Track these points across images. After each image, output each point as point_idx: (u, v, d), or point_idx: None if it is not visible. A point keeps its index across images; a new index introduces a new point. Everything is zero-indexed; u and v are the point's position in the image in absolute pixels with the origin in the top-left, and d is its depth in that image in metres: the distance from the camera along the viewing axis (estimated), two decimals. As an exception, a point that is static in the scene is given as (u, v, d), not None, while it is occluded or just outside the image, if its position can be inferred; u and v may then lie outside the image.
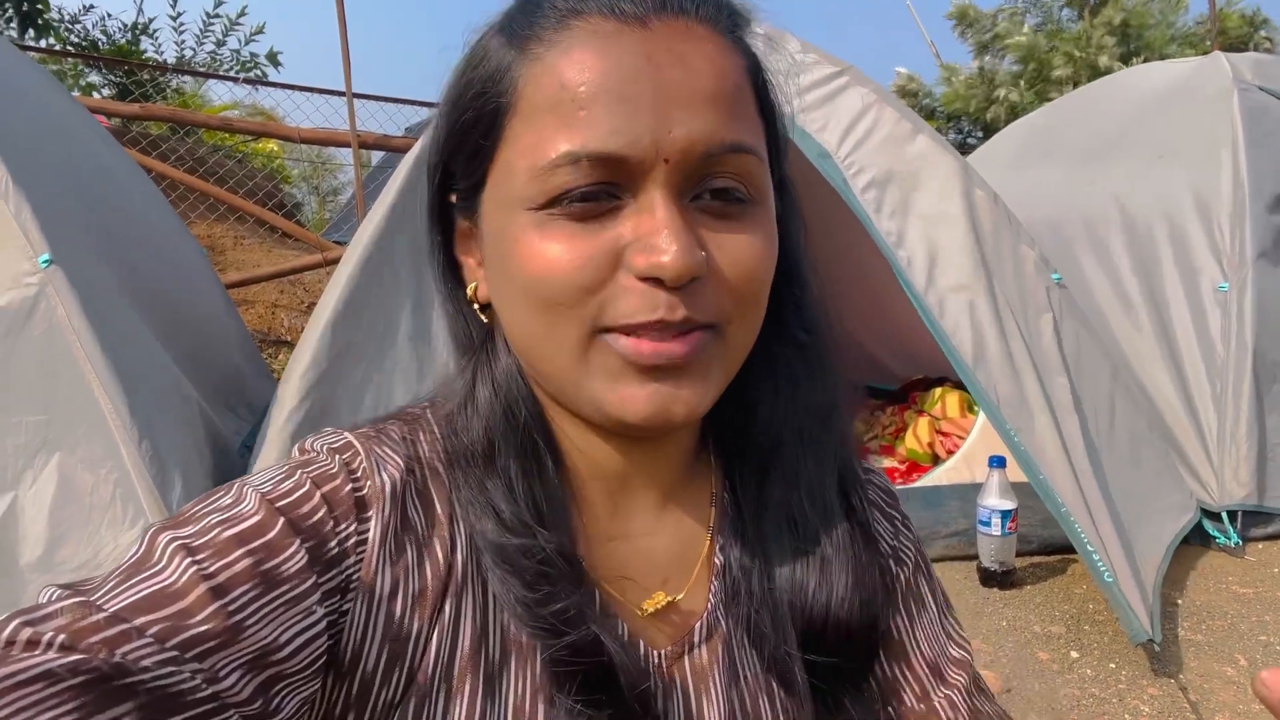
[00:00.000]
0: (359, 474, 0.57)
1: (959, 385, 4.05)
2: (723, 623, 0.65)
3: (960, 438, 3.70)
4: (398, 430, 0.63)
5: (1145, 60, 10.57)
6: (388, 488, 0.57)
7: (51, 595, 0.46)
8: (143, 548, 0.50)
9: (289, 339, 5.39)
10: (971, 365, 2.78)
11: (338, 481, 0.56)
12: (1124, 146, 4.19)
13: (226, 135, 7.46)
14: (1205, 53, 4.93)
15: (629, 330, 0.53)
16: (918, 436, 3.82)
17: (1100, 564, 2.48)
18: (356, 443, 0.59)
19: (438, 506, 0.59)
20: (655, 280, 0.51)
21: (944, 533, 3.14)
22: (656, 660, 0.63)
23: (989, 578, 2.94)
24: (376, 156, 8.21)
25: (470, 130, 0.57)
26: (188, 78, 8.28)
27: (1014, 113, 10.93)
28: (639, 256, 0.51)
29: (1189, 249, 3.70)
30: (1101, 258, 3.90)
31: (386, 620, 0.55)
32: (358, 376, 2.77)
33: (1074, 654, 2.57)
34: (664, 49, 0.52)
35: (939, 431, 3.81)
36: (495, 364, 0.63)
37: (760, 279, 0.56)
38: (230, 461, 3.13)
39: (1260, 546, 3.29)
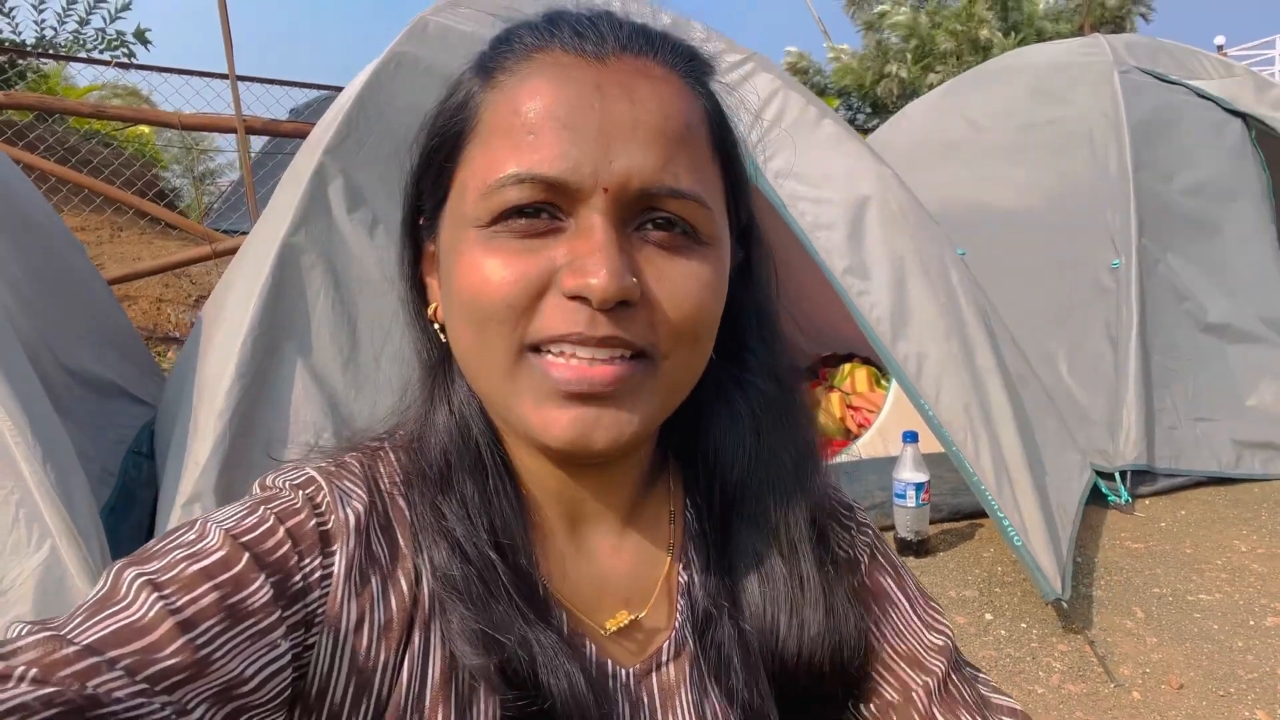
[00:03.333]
0: (323, 508, 0.58)
1: (866, 361, 4.17)
2: (690, 641, 0.65)
3: (870, 411, 3.81)
4: (357, 463, 0.63)
5: (1022, 32, 11.03)
6: (352, 521, 0.57)
7: (20, 630, 0.47)
8: (108, 584, 0.50)
9: (177, 335, 5.13)
10: (890, 344, 2.85)
11: (302, 516, 0.56)
12: (1014, 133, 4.37)
13: (97, 121, 7.01)
14: (1081, 26, 5.16)
15: (555, 341, 0.53)
16: (830, 412, 3.91)
17: (1010, 529, 2.59)
18: (319, 478, 0.59)
19: (400, 539, 0.60)
20: (583, 300, 0.52)
21: (863, 506, 3.21)
22: (624, 678, 0.63)
23: (905, 547, 3.04)
24: (259, 141, 7.87)
25: (435, 153, 0.60)
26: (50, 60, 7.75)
27: (903, 86, 11.29)
28: (568, 276, 0.52)
29: (1083, 228, 3.89)
30: (1000, 239, 4.06)
31: (353, 653, 0.55)
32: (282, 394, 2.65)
33: (988, 616, 2.69)
34: (616, 83, 0.54)
35: (849, 406, 3.91)
36: (452, 386, 0.64)
37: (699, 316, 0.56)
38: (129, 472, 2.98)
39: (1148, 503, 3.51)
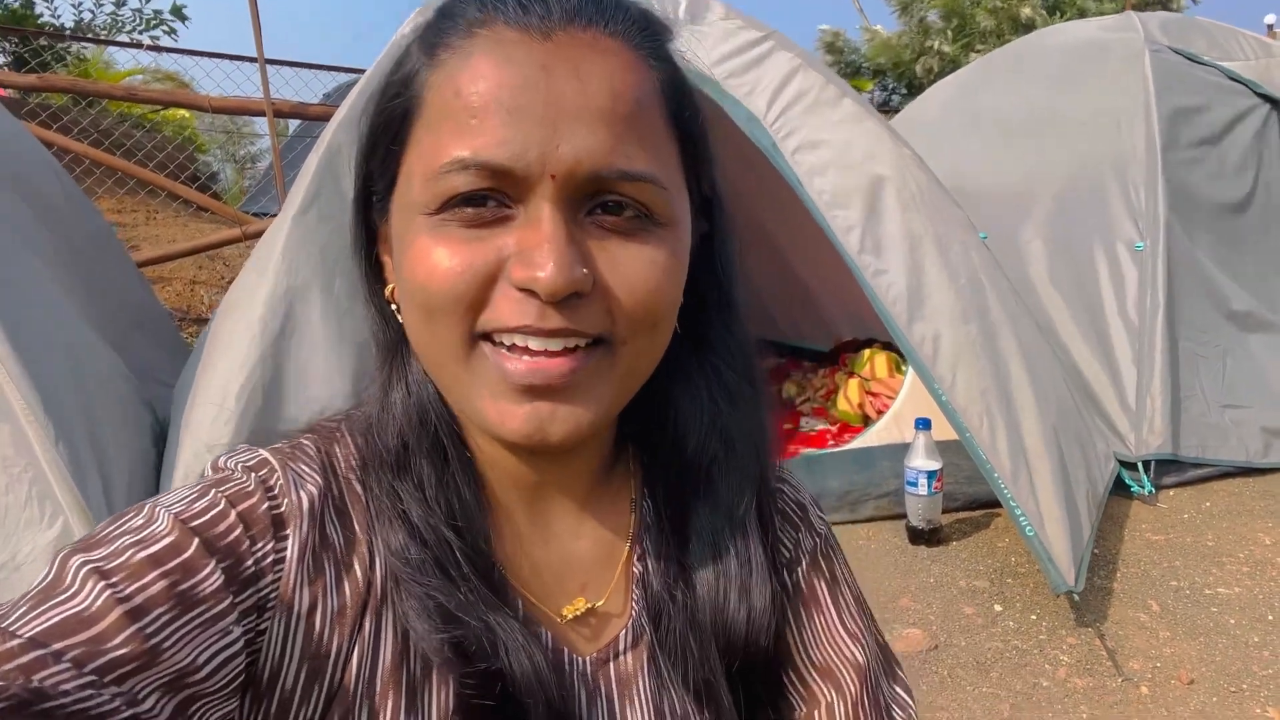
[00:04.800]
0: (276, 492, 0.57)
1: (887, 346, 4.12)
2: (648, 630, 0.65)
3: (889, 398, 3.77)
4: (313, 445, 0.62)
5: (1065, 11, 10.77)
6: (305, 505, 0.57)
7: None
8: (53, 572, 0.49)
9: (209, 316, 5.22)
10: (905, 326, 2.81)
11: (254, 500, 0.56)
12: (1041, 112, 4.27)
13: (133, 104, 7.12)
14: (1123, 8, 5.04)
15: (506, 333, 0.52)
16: (848, 398, 3.88)
17: (1023, 517, 2.56)
18: (272, 459, 0.59)
19: (355, 524, 0.59)
20: (532, 293, 0.51)
21: (875, 493, 3.20)
22: (581, 666, 0.63)
23: (917, 536, 3.01)
24: (294, 125, 7.94)
25: (382, 133, 0.58)
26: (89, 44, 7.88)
27: (943, 63, 11.10)
28: (517, 268, 0.51)
29: (1107, 211, 3.80)
30: (1023, 222, 3.98)
31: (305, 638, 0.54)
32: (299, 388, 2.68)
33: (998, 607, 2.66)
34: (562, 60, 0.51)
35: (868, 392, 3.87)
36: (409, 367, 0.63)
37: (655, 302, 0.55)
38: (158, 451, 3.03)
39: (1171, 494, 3.43)
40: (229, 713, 0.52)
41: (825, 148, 3.03)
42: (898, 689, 0.72)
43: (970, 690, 2.26)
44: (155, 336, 3.88)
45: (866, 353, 4.06)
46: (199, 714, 0.49)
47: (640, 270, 0.54)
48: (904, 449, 3.08)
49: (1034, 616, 2.59)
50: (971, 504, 3.24)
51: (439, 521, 0.58)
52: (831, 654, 0.70)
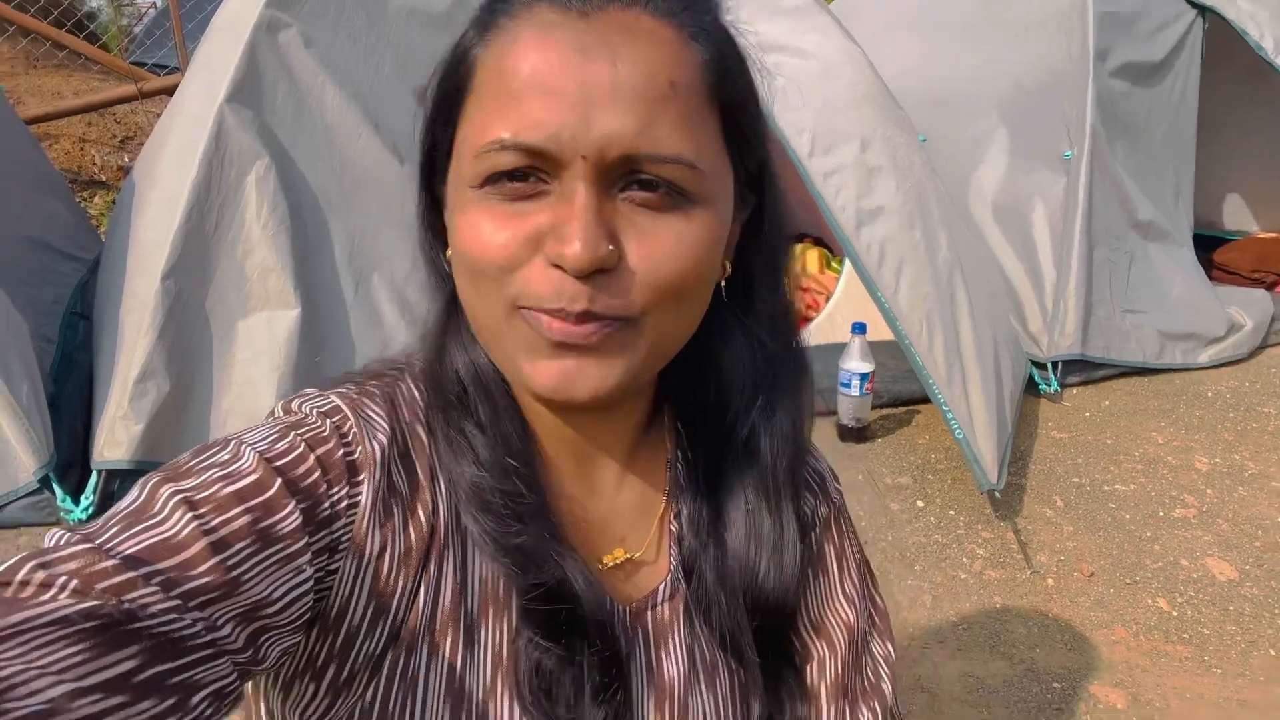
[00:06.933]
0: (350, 439, 0.60)
1: (818, 241, 4.18)
2: (682, 585, 0.70)
3: (819, 293, 3.85)
4: (379, 391, 0.65)
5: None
6: (377, 454, 0.60)
7: (60, 539, 0.48)
8: (143, 497, 0.52)
9: (103, 178, 4.87)
10: (853, 232, 2.85)
11: (330, 445, 0.58)
12: (981, 13, 4.24)
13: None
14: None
15: (536, 310, 0.55)
16: (779, 292, 3.93)
17: (954, 421, 2.70)
18: (344, 407, 0.62)
19: (419, 470, 0.63)
20: (562, 268, 0.54)
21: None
22: (620, 613, 0.67)
23: (846, 433, 3.15)
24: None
25: (442, 106, 0.61)
26: None
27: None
28: (551, 243, 0.54)
29: (1040, 118, 3.86)
30: (958, 125, 4.01)
31: (373, 579, 0.58)
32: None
33: (920, 503, 2.83)
34: (599, 42, 0.53)
35: (800, 288, 3.94)
36: (464, 327, 0.66)
37: (679, 277, 0.57)
38: (66, 336, 2.88)
39: (1074, 392, 3.67)
40: (290, 646, 0.55)
41: (781, 52, 2.96)
42: (880, 650, 0.79)
43: (897, 583, 2.43)
44: (53, 204, 3.61)
45: (799, 248, 4.11)
46: (266, 644, 0.52)
47: (668, 245, 0.56)
48: (837, 350, 3.17)
49: (952, 512, 2.77)
50: (895, 401, 3.39)
51: (502, 453, 0.63)
52: (828, 613, 0.77)
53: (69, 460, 2.52)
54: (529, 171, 0.54)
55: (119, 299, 2.57)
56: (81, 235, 3.68)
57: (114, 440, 2.44)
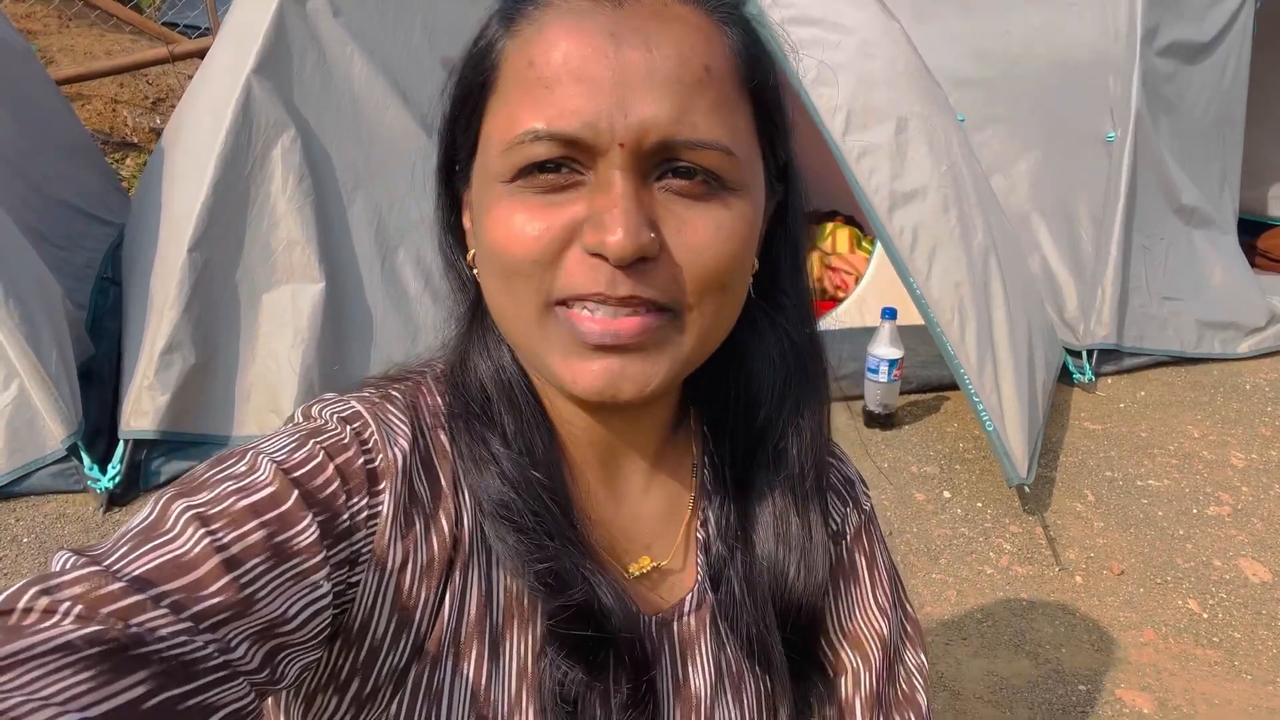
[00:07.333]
0: (370, 446, 0.58)
1: (849, 220, 4.10)
2: (710, 594, 0.69)
3: (848, 273, 3.79)
4: (400, 396, 0.64)
5: None
6: (399, 462, 0.58)
7: (66, 562, 0.47)
8: (155, 513, 0.50)
9: (135, 140, 4.87)
10: (886, 215, 2.78)
11: (350, 453, 0.57)
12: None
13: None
14: None
15: (580, 299, 0.54)
16: (808, 272, 3.87)
17: (984, 413, 2.65)
18: (365, 413, 0.60)
19: (442, 479, 0.61)
20: (603, 257, 0.52)
21: (835, 376, 3.24)
22: (647, 623, 0.66)
23: (872, 420, 3.11)
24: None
25: (463, 103, 0.59)
26: None
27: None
28: (590, 233, 0.52)
29: (1084, 99, 3.75)
30: (999, 105, 3.90)
31: (396, 591, 0.57)
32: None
33: (946, 494, 2.79)
34: (632, 28, 0.52)
35: (828, 267, 3.88)
36: (486, 330, 0.65)
37: (722, 265, 0.55)
38: (97, 301, 2.89)
39: (1109, 381, 3.59)
40: (310, 662, 0.54)
41: (817, 26, 2.88)
42: (914, 660, 0.79)
43: (921, 576, 2.40)
44: (85, 167, 3.61)
45: (829, 226, 4.04)
46: (284, 663, 0.51)
47: (708, 234, 0.54)
48: (865, 334, 3.12)
49: (980, 504, 2.73)
50: (923, 387, 3.34)
51: (526, 466, 0.61)
52: (861, 625, 0.76)
53: (97, 427, 2.54)
54: (563, 162, 0.53)
55: (146, 268, 2.56)
56: (112, 198, 3.69)
57: (140, 410, 2.45)
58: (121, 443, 2.46)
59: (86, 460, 2.41)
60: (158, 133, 4.84)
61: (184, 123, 2.77)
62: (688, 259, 0.54)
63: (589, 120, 0.51)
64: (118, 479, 2.42)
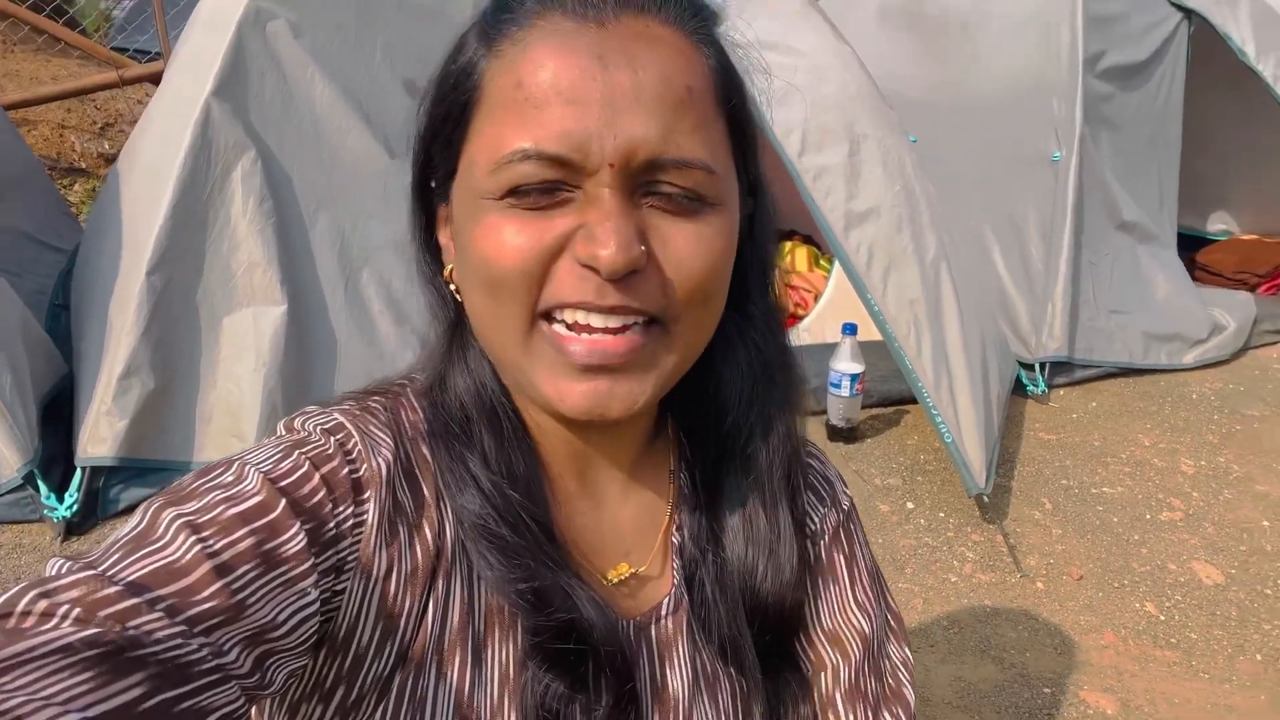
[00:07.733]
0: (354, 457, 0.59)
1: (807, 240, 4.17)
2: (685, 597, 0.70)
3: (807, 291, 3.85)
4: (381, 408, 0.65)
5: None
6: (383, 471, 0.59)
7: (62, 568, 0.47)
8: (144, 521, 0.51)
9: (83, 165, 4.79)
10: (842, 234, 2.84)
11: (335, 463, 0.58)
12: (977, 11, 4.23)
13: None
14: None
15: (567, 309, 0.55)
16: (768, 290, 3.92)
17: (942, 425, 2.70)
18: (348, 424, 0.61)
19: (424, 489, 0.62)
20: (593, 269, 0.53)
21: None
22: (623, 628, 0.67)
23: (835, 434, 3.15)
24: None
25: (444, 122, 0.60)
26: None
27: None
28: (581, 245, 0.53)
29: (1030, 119, 3.87)
30: (949, 126, 4.01)
31: (381, 599, 0.58)
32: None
33: (910, 505, 2.84)
34: (617, 50, 0.53)
35: (788, 285, 3.93)
36: (467, 347, 0.65)
37: (707, 278, 0.57)
38: (50, 328, 2.83)
39: (1061, 393, 3.68)
40: (297, 668, 0.54)
41: (772, 50, 2.94)
42: (897, 655, 0.79)
43: (889, 586, 2.43)
44: (32, 194, 3.55)
45: (787, 245, 4.10)
46: (273, 668, 0.51)
47: (692, 248, 0.56)
48: (827, 350, 3.17)
49: (942, 514, 2.78)
50: (884, 401, 3.39)
51: (504, 486, 0.61)
52: (841, 623, 0.77)
53: (52, 455, 2.48)
54: (554, 185, 0.54)
55: (104, 293, 2.52)
56: (61, 224, 3.63)
57: (98, 437, 2.40)
58: (79, 470, 2.41)
59: (43, 489, 2.35)
60: (106, 158, 4.77)
61: (140, 146, 2.74)
62: (674, 272, 0.56)
63: (579, 142, 0.52)
64: (75, 507, 2.36)
